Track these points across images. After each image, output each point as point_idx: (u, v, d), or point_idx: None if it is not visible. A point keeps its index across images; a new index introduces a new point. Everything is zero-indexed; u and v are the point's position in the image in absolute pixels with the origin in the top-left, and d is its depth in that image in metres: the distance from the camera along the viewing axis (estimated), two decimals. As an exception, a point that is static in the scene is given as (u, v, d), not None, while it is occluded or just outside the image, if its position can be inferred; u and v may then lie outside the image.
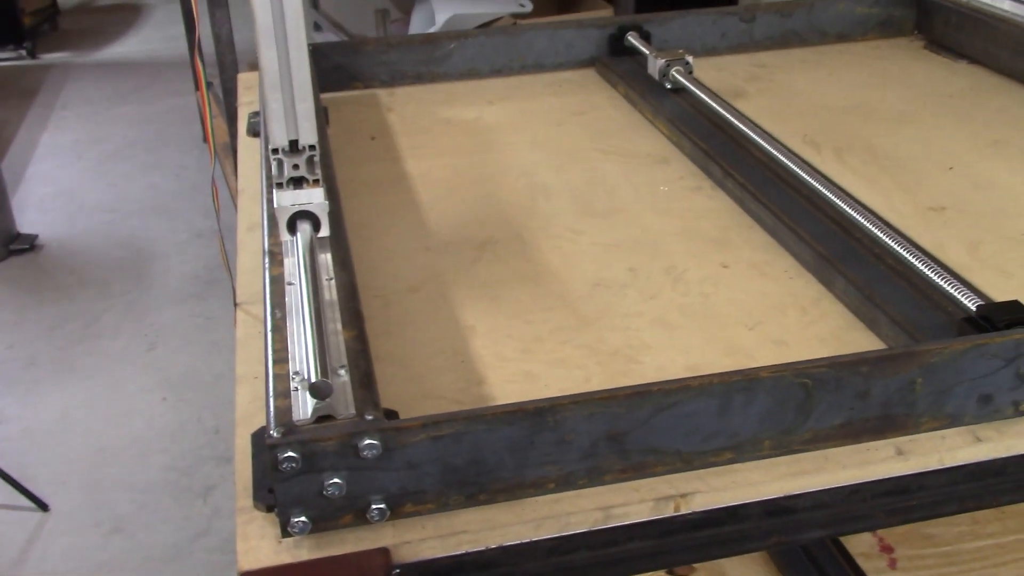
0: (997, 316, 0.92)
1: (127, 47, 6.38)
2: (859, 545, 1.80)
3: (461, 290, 1.15)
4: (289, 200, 1.00)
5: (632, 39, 1.80)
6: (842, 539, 1.79)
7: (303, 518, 0.77)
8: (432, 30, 3.39)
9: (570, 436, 0.80)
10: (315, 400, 0.77)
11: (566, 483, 0.82)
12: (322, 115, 1.58)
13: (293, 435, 0.75)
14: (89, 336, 3.36)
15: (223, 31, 3.13)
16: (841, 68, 1.83)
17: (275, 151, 0.97)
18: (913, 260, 1.05)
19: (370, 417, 0.78)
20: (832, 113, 1.63)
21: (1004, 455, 0.89)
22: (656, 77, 1.66)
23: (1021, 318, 0.92)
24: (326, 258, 1.01)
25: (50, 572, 2.40)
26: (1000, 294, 1.08)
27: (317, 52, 1.75)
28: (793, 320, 1.07)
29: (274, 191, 1.00)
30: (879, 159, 1.44)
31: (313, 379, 0.76)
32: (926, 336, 0.97)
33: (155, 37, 6.56)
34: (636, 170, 1.45)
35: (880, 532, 1.83)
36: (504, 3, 3.46)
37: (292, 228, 1.01)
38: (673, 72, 1.64)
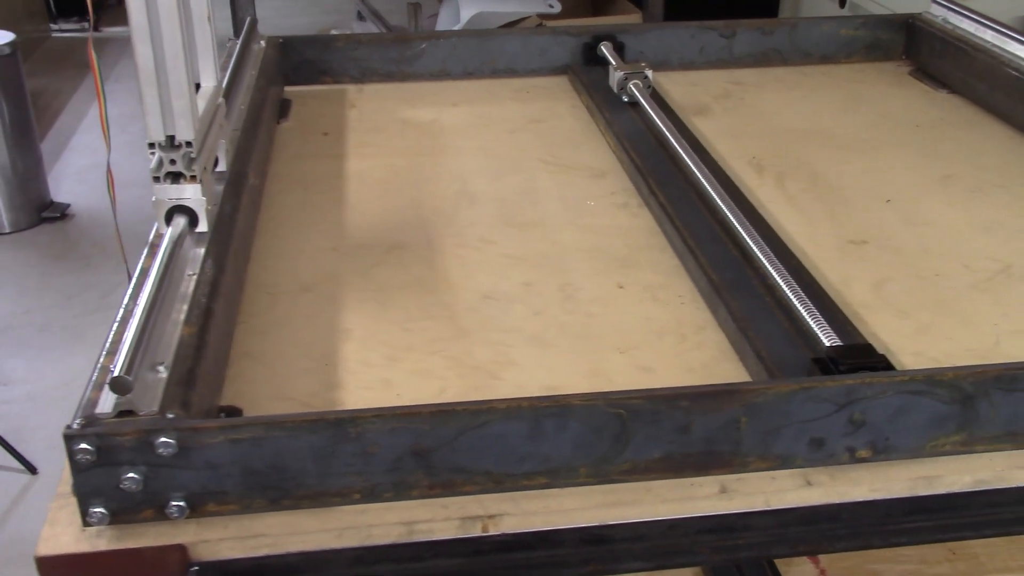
0: (843, 359, 0.90)
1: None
2: (800, 576, 1.78)
3: (352, 293, 1.15)
4: (165, 194, 1.01)
5: (604, 49, 1.79)
6: (783, 571, 1.76)
7: (101, 509, 0.78)
8: (457, 27, 3.40)
9: (373, 448, 0.80)
10: (116, 395, 0.78)
11: (372, 495, 0.82)
12: (275, 107, 1.60)
13: (89, 428, 0.76)
14: (104, 306, 3.44)
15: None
16: (817, 90, 1.80)
17: (151, 146, 0.99)
18: (790, 295, 1.03)
19: (171, 415, 0.79)
20: (791, 136, 1.60)
21: (837, 501, 0.87)
22: (615, 90, 1.64)
23: (867, 363, 0.89)
24: (197, 253, 1.02)
25: (29, 533, 2.47)
26: (888, 335, 1.06)
27: (287, 46, 1.78)
28: (669, 347, 1.06)
29: (153, 185, 1.02)
30: (819, 187, 1.42)
31: (116, 374, 0.78)
32: (782, 373, 0.95)
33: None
34: (572, 183, 1.44)
35: (823, 564, 1.80)
36: (532, 3, 3.46)
37: (170, 222, 1.03)
38: (631, 85, 1.62)
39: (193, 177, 1.01)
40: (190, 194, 1.02)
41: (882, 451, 0.87)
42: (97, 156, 4.56)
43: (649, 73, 1.64)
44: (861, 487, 0.87)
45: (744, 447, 0.85)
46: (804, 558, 1.81)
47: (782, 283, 1.05)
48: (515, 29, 1.89)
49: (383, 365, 1.02)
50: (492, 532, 0.83)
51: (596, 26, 1.85)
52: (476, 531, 0.83)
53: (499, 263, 1.22)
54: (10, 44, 3.70)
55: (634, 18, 3.62)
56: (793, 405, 0.84)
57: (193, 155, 1.00)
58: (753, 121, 1.66)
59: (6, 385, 3.03)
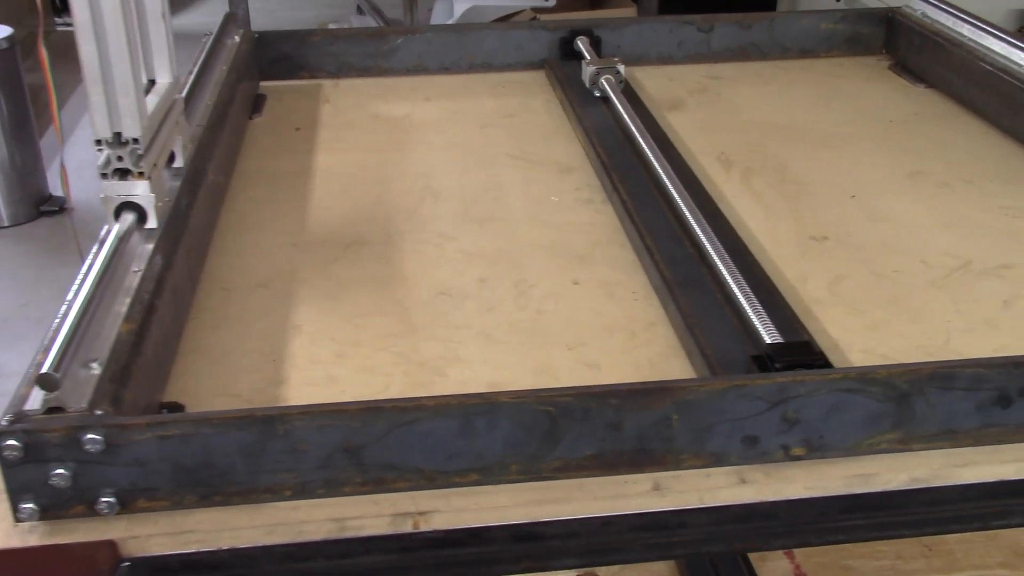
0: (779, 356, 0.90)
1: (190, 18, 6.52)
2: (774, 572, 1.77)
3: (307, 289, 1.16)
4: (114, 191, 1.02)
5: (580, 44, 1.79)
6: (757, 566, 1.76)
7: (32, 505, 0.79)
8: (451, 21, 3.40)
9: (303, 446, 0.81)
10: (44, 391, 0.79)
11: (303, 491, 0.83)
12: (246, 103, 1.61)
13: (17, 424, 0.77)
14: (100, 300, 3.45)
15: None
16: (793, 85, 1.79)
17: (98, 142, 0.99)
18: (736, 292, 1.03)
19: (100, 412, 0.79)
20: (762, 131, 1.59)
21: (772, 499, 0.87)
22: (587, 84, 1.64)
23: (803, 360, 0.89)
24: (146, 249, 1.03)
25: None
26: (840, 332, 1.06)
27: (262, 41, 1.78)
28: (618, 343, 1.05)
29: (100, 181, 1.02)
30: (785, 183, 1.41)
31: (44, 370, 0.78)
32: (725, 370, 0.95)
33: (219, 10, 6.69)
34: (538, 178, 1.44)
35: (798, 559, 1.80)
36: (527, -3, 3.45)
37: (119, 218, 1.03)
38: (602, 80, 1.62)
39: (141, 174, 1.02)
40: (138, 190, 1.02)
41: (817, 449, 0.87)
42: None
43: (621, 68, 1.63)
44: (796, 485, 0.87)
45: (677, 445, 0.85)
46: (780, 553, 1.81)
47: (731, 280, 1.05)
48: (492, 24, 1.88)
49: (331, 361, 1.03)
50: (423, 529, 0.84)
51: (573, 20, 1.84)
52: (407, 528, 0.83)
53: (456, 259, 1.22)
54: (8, 39, 3.72)
55: (629, 12, 3.62)
56: (725, 403, 0.84)
57: (140, 152, 1.01)
58: (726, 116, 1.66)
59: (3, 378, 3.05)
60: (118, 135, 1.00)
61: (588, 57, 1.72)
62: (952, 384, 0.86)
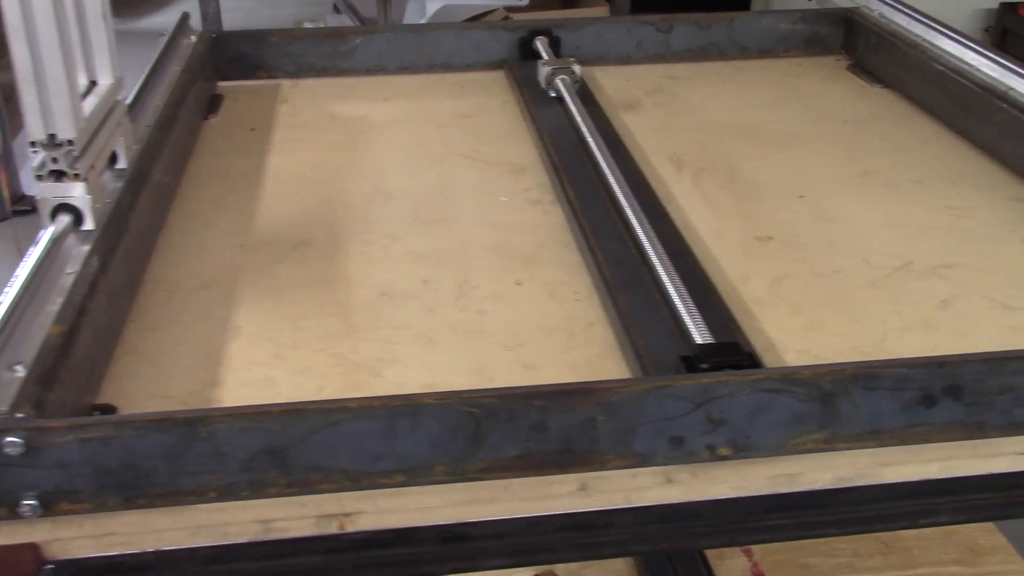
0: (707, 356, 0.90)
1: (169, 15, 6.50)
2: (732, 571, 1.78)
3: (250, 290, 1.16)
4: (49, 192, 1.02)
5: (539, 44, 1.79)
6: (714, 564, 1.77)
7: (-48, 507, 0.79)
8: (423, 20, 3.39)
9: (225, 448, 0.81)
10: (-36, 395, 0.79)
11: (228, 493, 0.83)
12: (200, 103, 1.60)
13: (-65, 427, 0.77)
14: (72, 300, 3.44)
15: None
16: (752, 84, 1.80)
17: (33, 144, 0.99)
18: (672, 292, 1.03)
19: (20, 415, 0.79)
20: (716, 131, 1.60)
21: (698, 498, 0.87)
22: (542, 85, 1.65)
23: (731, 361, 0.90)
24: (82, 251, 1.02)
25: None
26: (777, 332, 1.07)
27: (220, 41, 1.78)
28: (556, 344, 1.06)
29: (36, 183, 1.02)
30: (735, 183, 1.42)
31: (-36, 374, 0.78)
32: (658, 370, 0.95)
33: (195, 9, 6.66)
34: (490, 179, 1.44)
35: (756, 557, 1.81)
36: (499, -4, 3.46)
37: (55, 220, 1.03)
38: (557, 80, 1.62)
39: (77, 175, 1.02)
40: (74, 192, 1.02)
41: (743, 449, 0.87)
42: (72, 149, 4.56)
43: (576, 68, 1.64)
44: (722, 485, 0.88)
45: (602, 445, 0.86)
46: (737, 551, 1.81)
47: (667, 280, 1.05)
48: (450, 24, 1.88)
49: (268, 363, 1.03)
50: (349, 530, 0.84)
51: (533, 21, 1.85)
52: (332, 529, 0.84)
53: (402, 260, 1.22)
54: None
55: (602, 12, 3.62)
56: (649, 404, 0.84)
57: (76, 153, 1.01)
58: (681, 116, 1.66)
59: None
60: (52, 137, 1.00)
61: (545, 57, 1.72)
62: (876, 384, 0.86)
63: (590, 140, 1.41)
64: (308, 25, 4.37)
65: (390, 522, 0.84)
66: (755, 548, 1.84)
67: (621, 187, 1.26)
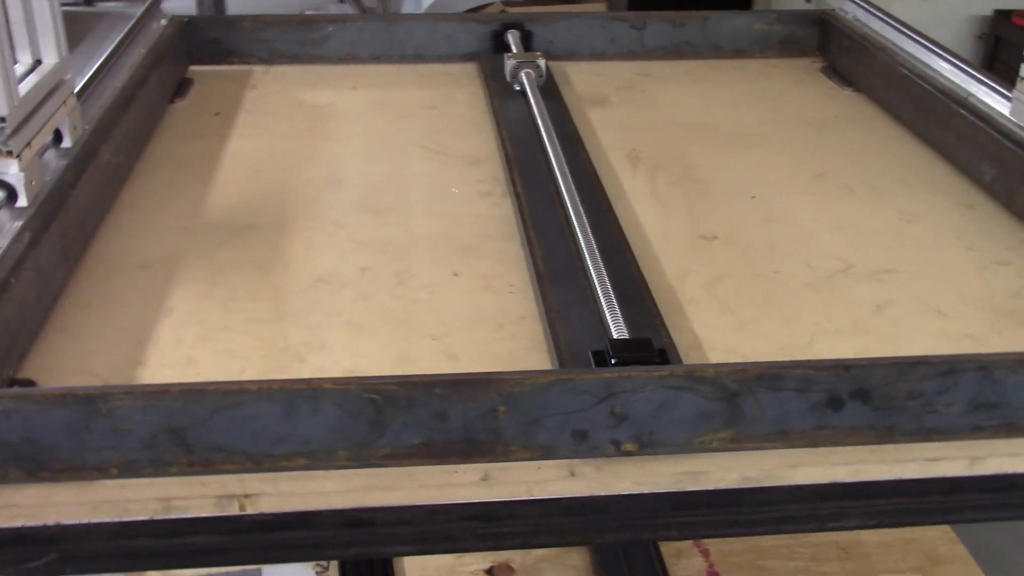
0: (617, 352, 0.90)
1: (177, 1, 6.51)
2: (687, 570, 1.78)
3: (188, 272, 1.16)
4: (-17, 168, 1.03)
5: (510, 38, 1.79)
6: (670, 563, 1.77)
7: None
8: (421, 10, 3.40)
9: (126, 425, 0.81)
10: None
11: (130, 470, 0.83)
12: (164, 86, 1.61)
13: None
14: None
15: None
16: (723, 84, 1.80)
17: (-34, 120, 1.00)
18: (597, 287, 1.03)
19: (-77, 387, 0.80)
20: (679, 129, 1.60)
21: (602, 493, 0.88)
22: (508, 78, 1.65)
23: (640, 356, 0.90)
24: (14, 227, 1.03)
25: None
26: (705, 331, 1.07)
27: (192, 25, 1.78)
28: (483, 336, 1.06)
29: (-30, 159, 1.03)
30: (689, 181, 1.42)
31: None
32: (574, 364, 0.96)
33: (208, -6, 6.67)
34: (444, 170, 1.45)
35: (713, 558, 1.81)
36: (496, -11, 3.45)
37: (-11, 196, 1.04)
38: (522, 74, 1.62)
39: (10, 152, 1.02)
40: (7, 169, 1.03)
41: (648, 445, 0.87)
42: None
43: (542, 63, 1.64)
44: (626, 480, 0.88)
45: (505, 436, 0.86)
46: (695, 551, 1.82)
47: (595, 275, 1.05)
48: (422, 15, 1.88)
49: (193, 344, 1.03)
50: (250, 511, 0.84)
51: (505, 14, 1.85)
52: (234, 510, 0.84)
53: (344, 247, 1.23)
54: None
55: (599, 7, 3.61)
56: (551, 397, 0.84)
57: (8, 131, 1.01)
58: (646, 113, 1.66)
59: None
60: (-15, 113, 1.01)
61: (514, 50, 1.73)
62: (780, 385, 0.86)
63: (544, 135, 1.41)
64: (310, 13, 4.37)
65: (292, 505, 0.85)
66: (712, 548, 1.84)
67: (566, 182, 1.26)
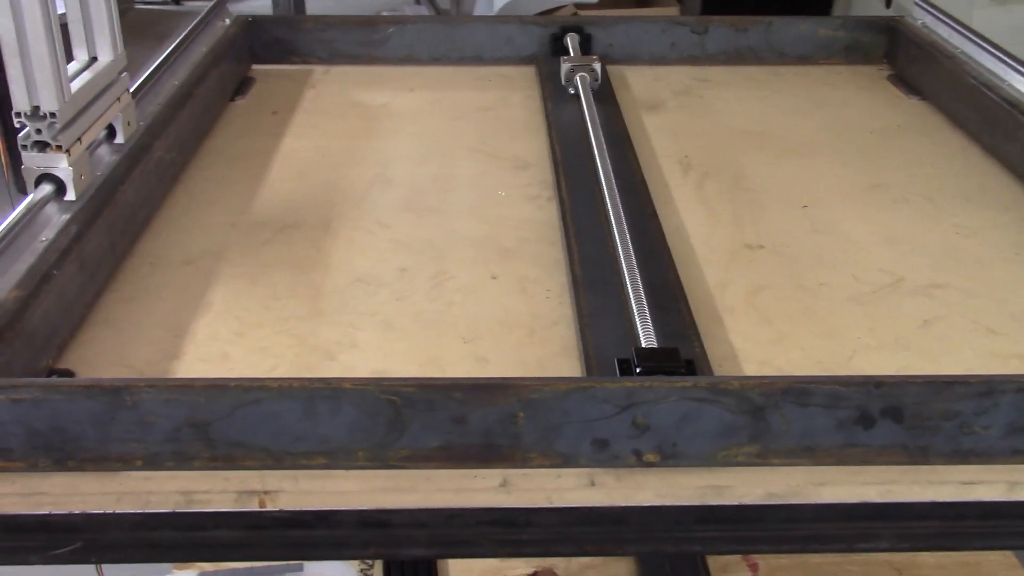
0: (642, 361, 0.89)
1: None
2: (733, 582, 1.75)
3: (229, 268, 1.18)
4: (33, 162, 1.05)
5: (568, 41, 1.78)
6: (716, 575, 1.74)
7: None
8: (493, 13, 3.41)
9: (151, 418, 0.83)
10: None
11: (153, 463, 0.85)
12: (224, 84, 1.64)
13: None
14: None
15: None
16: (782, 91, 1.76)
17: (18, 115, 1.03)
18: (631, 295, 1.02)
19: (-41, 374, 0.83)
20: (733, 136, 1.57)
21: (621, 503, 0.86)
22: (563, 81, 1.64)
23: (665, 367, 0.88)
24: (62, 220, 1.06)
25: None
26: (741, 342, 1.05)
27: (256, 25, 1.81)
28: (515, 340, 1.06)
29: (22, 153, 1.06)
30: (739, 189, 1.39)
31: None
32: (601, 372, 0.95)
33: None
34: (493, 172, 1.45)
35: (761, 573, 1.77)
36: (568, -8, 3.44)
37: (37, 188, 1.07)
38: (577, 78, 1.62)
39: (59, 147, 1.05)
40: (57, 163, 1.06)
41: (670, 456, 0.86)
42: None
43: (597, 66, 1.63)
44: (647, 491, 0.86)
45: (524, 442, 0.85)
46: (743, 565, 1.78)
47: (629, 282, 1.04)
48: (483, 17, 1.88)
49: (228, 340, 1.05)
50: (270, 508, 0.85)
51: (566, 17, 1.84)
52: (253, 505, 0.85)
53: (385, 247, 1.23)
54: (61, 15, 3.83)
55: (671, 11, 3.58)
56: (571, 404, 0.84)
57: (59, 126, 1.04)
58: (701, 119, 1.64)
59: None
60: (36, 109, 1.04)
61: (571, 53, 1.72)
62: (808, 400, 0.84)
63: (592, 138, 1.40)
64: (386, 15, 4.42)
65: (311, 503, 0.85)
66: (761, 563, 1.80)
67: (610, 187, 1.25)
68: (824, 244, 1.25)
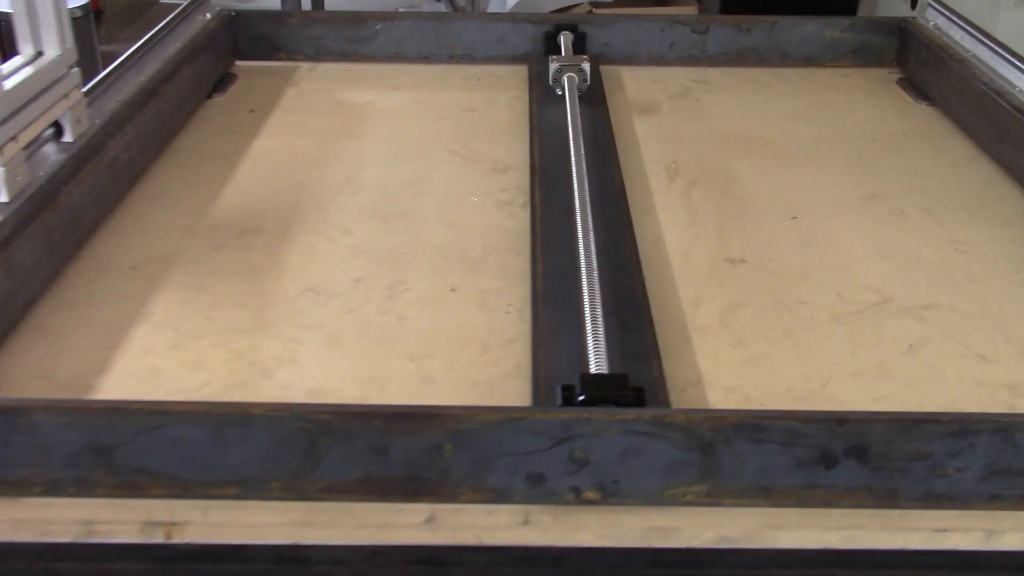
0: (587, 388, 0.82)
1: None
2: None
3: (179, 275, 1.12)
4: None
5: (562, 40, 1.71)
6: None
7: None
8: (506, 10, 3.34)
9: (49, 442, 0.77)
10: None
11: (54, 489, 0.79)
12: (197, 81, 1.58)
13: None
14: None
15: None
16: (785, 94, 1.68)
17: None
18: (587, 313, 0.95)
19: None
20: (729, 141, 1.49)
21: (558, 544, 0.79)
22: (550, 81, 1.57)
23: (612, 396, 0.81)
24: (-12, 224, 1.00)
25: None
26: (709, 365, 0.98)
27: (240, 20, 1.75)
28: (466, 359, 0.99)
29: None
30: (727, 198, 1.31)
31: None
32: (549, 397, 0.88)
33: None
34: (469, 176, 1.38)
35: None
36: (585, -11, 3.36)
37: (-32, 190, 1.02)
38: (564, 78, 1.54)
39: (-16, 148, 1.00)
40: (-16, 164, 1.00)
41: (612, 494, 0.79)
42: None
43: (586, 66, 1.55)
44: (586, 532, 0.79)
45: (453, 476, 0.78)
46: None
47: (588, 300, 0.97)
48: (474, 14, 1.80)
49: (163, 353, 0.99)
50: (176, 540, 0.79)
51: (560, 15, 1.77)
52: (159, 537, 0.79)
53: (343, 255, 1.17)
54: (83, 7, 3.81)
55: (690, 10, 3.49)
56: (503, 436, 0.77)
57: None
58: (696, 123, 1.56)
59: None
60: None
61: (563, 52, 1.65)
62: (763, 437, 0.77)
63: (571, 142, 1.32)
64: (403, 11, 4.35)
65: (222, 536, 0.79)
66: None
67: (582, 195, 1.18)
68: (811, 258, 1.17)
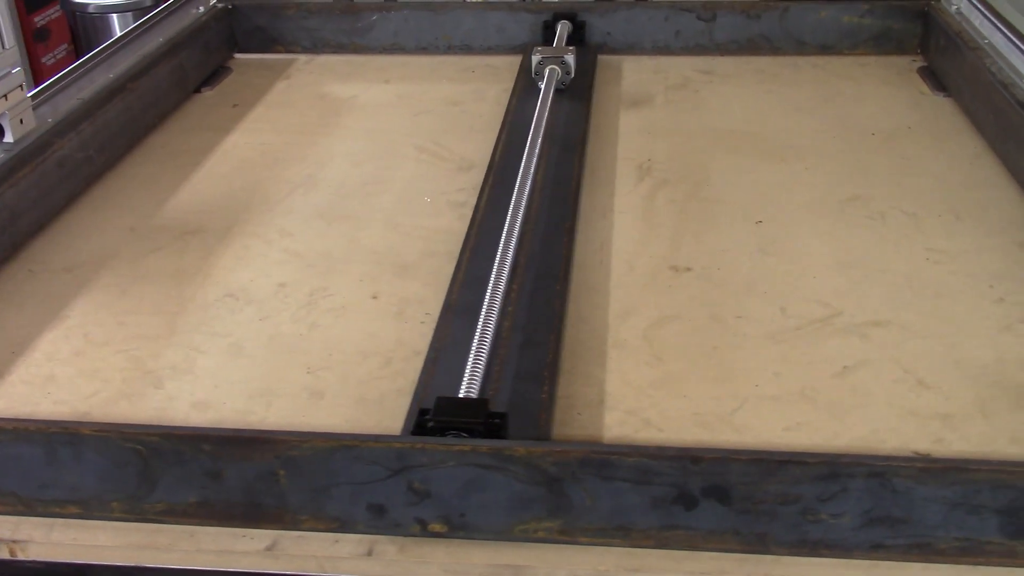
0: (440, 414, 0.77)
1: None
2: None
3: (108, 277, 1.11)
4: None
5: (560, 29, 1.65)
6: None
7: None
8: None
9: None
10: None
11: (-101, 502, 0.78)
12: (180, 75, 1.58)
13: None
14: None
15: None
16: (791, 85, 1.58)
17: None
18: (479, 327, 0.90)
19: None
20: (716, 137, 1.41)
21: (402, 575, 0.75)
22: (532, 74, 1.51)
23: (464, 423, 0.76)
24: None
25: None
26: (616, 385, 0.92)
27: (237, 13, 1.74)
28: (365, 372, 0.95)
29: None
30: (695, 199, 1.24)
31: None
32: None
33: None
34: (431, 175, 1.34)
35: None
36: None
37: None
38: (546, 71, 1.48)
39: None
40: (-98, 167, 1.01)
41: (459, 527, 0.74)
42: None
43: (569, 58, 1.49)
44: (432, 565, 0.75)
45: (291, 503, 0.75)
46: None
47: (484, 312, 0.92)
48: (471, 3, 1.74)
49: (64, 360, 0.98)
50: (20, 557, 0.77)
51: (559, 3, 1.70)
52: (4, 554, 0.78)
53: (275, 259, 1.14)
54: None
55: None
56: (337, 464, 0.73)
57: None
58: (686, 117, 1.48)
59: None
60: None
61: (554, 43, 1.58)
62: (612, 474, 0.71)
63: (529, 140, 1.27)
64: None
65: (64, 555, 0.77)
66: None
67: (519, 197, 1.12)
68: (764, 268, 1.09)
